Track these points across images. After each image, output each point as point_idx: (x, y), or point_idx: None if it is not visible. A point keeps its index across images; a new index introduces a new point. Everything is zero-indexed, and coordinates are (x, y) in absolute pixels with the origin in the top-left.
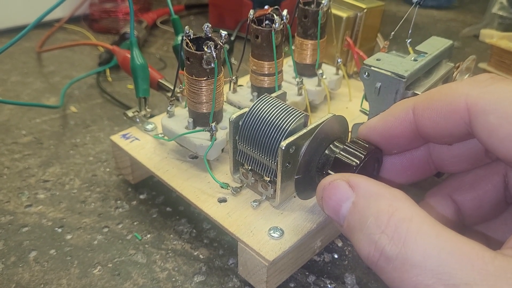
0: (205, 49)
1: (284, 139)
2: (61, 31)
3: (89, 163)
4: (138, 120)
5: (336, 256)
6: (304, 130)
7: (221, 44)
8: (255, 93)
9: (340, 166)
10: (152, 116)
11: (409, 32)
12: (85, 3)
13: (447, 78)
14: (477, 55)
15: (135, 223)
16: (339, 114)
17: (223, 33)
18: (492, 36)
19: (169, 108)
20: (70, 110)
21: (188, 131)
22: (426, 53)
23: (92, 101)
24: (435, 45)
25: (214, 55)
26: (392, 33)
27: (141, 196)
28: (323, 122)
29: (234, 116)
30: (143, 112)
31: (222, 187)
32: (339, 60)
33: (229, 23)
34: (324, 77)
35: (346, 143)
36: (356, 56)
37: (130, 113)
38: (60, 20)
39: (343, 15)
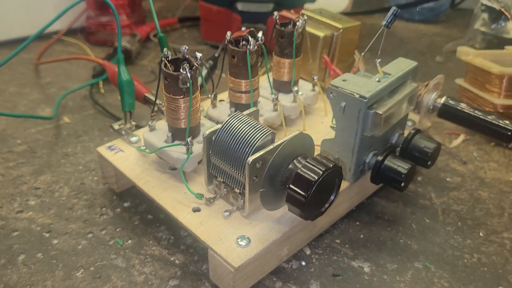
0: (181, 70)
1: (251, 155)
2: (59, 43)
3: (78, 172)
4: (123, 132)
5: (303, 263)
6: (271, 147)
7: (196, 65)
8: (233, 109)
9: (301, 181)
10: (140, 127)
11: (378, 53)
12: (82, 16)
13: (411, 97)
14: (458, 70)
15: (118, 229)
16: (304, 132)
17: (198, 55)
18: (468, 53)
19: (150, 122)
20: (64, 120)
21: (166, 144)
22: (390, 74)
23: (85, 112)
24: (400, 66)
25: (189, 76)
26: (362, 53)
27: (125, 204)
28: (287, 139)
29: (207, 132)
30: (128, 125)
31: (197, 198)
32: (315, 78)
33: (219, 37)
34: (300, 93)
35: (307, 159)
36: (332, 73)
37: (116, 126)
38: (58, 32)
39: (320, 34)
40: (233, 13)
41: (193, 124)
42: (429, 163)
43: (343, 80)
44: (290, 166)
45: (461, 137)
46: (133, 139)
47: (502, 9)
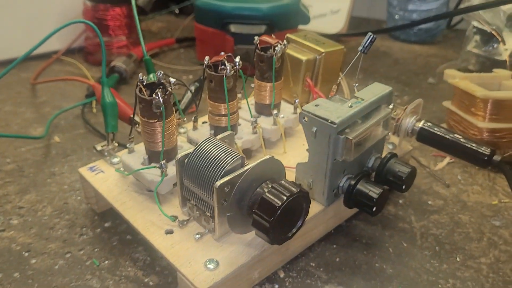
0: (153, 95)
1: (220, 179)
2: (58, 62)
3: (63, 191)
4: (106, 153)
5: (276, 286)
6: (239, 171)
7: (170, 90)
8: (212, 131)
9: (265, 206)
10: (125, 147)
11: (356, 77)
12: (81, 37)
13: (386, 122)
14: (450, 92)
15: (96, 250)
16: (273, 157)
17: (172, 80)
18: (454, 76)
19: (128, 145)
20: (54, 140)
21: (143, 167)
22: (363, 99)
23: (76, 131)
24: (374, 91)
25: (162, 101)
26: (339, 78)
27: (106, 224)
28: (254, 164)
29: (179, 155)
30: (110, 146)
31: (170, 220)
32: (296, 100)
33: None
34: (282, 115)
35: (273, 184)
36: (315, 96)
37: (98, 147)
38: (57, 52)
39: (303, 58)
40: (226, 35)
41: (169, 147)
42: (403, 187)
43: (316, 105)
44: (257, 190)
45: (446, 159)
46: (115, 160)
47: (493, 32)
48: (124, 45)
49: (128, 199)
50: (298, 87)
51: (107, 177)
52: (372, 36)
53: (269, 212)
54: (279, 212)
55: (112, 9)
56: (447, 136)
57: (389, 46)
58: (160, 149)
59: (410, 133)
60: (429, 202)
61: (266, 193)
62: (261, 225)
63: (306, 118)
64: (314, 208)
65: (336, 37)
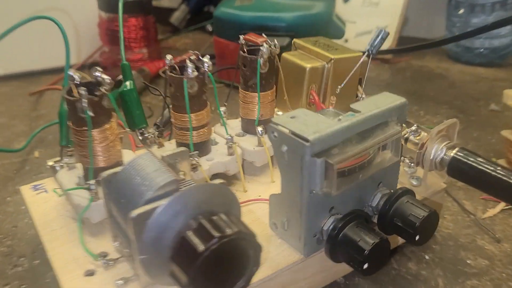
0: (77, 96)
1: (139, 207)
2: None
3: (17, 213)
4: (58, 169)
5: None
6: (168, 200)
7: (104, 91)
8: None
9: (185, 249)
10: None
11: (362, 87)
12: (97, 52)
13: (396, 144)
14: None
15: (23, 287)
16: (223, 182)
17: (107, 78)
18: None
19: (67, 159)
20: (34, 155)
21: (74, 187)
22: (359, 111)
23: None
24: (378, 103)
25: (85, 103)
26: (339, 87)
27: None
28: (184, 191)
29: (105, 174)
30: (63, 162)
31: (92, 258)
32: None
33: (233, 75)
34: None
35: (203, 221)
36: None
37: (50, 162)
38: (72, 66)
39: (307, 66)
40: None
41: (109, 163)
42: (417, 238)
43: (291, 117)
44: (182, 228)
45: (501, 205)
46: None
47: None
48: (139, 58)
49: (60, 226)
50: (301, 101)
51: (49, 198)
52: (382, 31)
53: (189, 260)
54: (203, 260)
55: (128, 19)
56: (490, 171)
57: (447, 68)
58: (97, 166)
59: (438, 165)
60: (468, 261)
61: (189, 232)
62: (178, 278)
63: (275, 133)
64: (290, 257)
65: (381, 55)
